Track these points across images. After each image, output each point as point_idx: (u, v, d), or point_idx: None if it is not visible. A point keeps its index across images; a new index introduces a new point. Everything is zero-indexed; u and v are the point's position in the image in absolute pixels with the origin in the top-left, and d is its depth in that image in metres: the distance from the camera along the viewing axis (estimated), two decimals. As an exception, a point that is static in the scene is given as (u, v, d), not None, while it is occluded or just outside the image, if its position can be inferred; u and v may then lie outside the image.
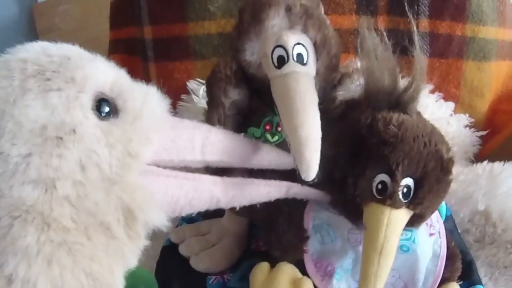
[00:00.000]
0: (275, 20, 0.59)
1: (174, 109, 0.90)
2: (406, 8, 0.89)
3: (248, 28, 0.60)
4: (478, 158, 0.94)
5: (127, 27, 1.04)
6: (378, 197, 0.57)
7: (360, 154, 0.57)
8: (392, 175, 0.56)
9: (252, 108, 0.65)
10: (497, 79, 0.99)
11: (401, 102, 0.59)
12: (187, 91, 0.92)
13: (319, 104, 0.57)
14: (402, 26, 0.91)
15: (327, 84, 0.64)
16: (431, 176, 0.57)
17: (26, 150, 0.41)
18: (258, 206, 0.59)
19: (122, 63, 0.97)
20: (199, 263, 0.73)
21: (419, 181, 0.57)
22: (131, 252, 0.46)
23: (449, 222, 0.77)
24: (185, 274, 0.72)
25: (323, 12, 0.65)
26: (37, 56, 0.44)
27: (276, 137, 0.62)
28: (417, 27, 0.91)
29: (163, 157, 0.50)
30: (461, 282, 0.69)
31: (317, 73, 0.60)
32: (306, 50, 0.59)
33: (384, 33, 0.59)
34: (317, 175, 0.53)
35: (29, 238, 0.39)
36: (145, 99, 0.48)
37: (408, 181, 0.57)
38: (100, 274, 0.43)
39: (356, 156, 0.58)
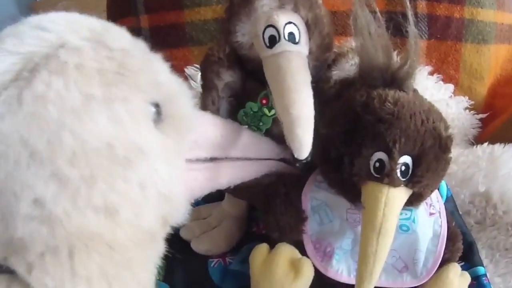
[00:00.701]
0: (265, 0, 0.59)
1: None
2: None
3: (238, 9, 0.61)
4: (477, 140, 0.93)
5: (124, 18, 1.04)
6: (375, 175, 0.56)
7: (355, 132, 0.57)
8: (389, 153, 0.55)
9: (246, 90, 0.65)
10: (496, 62, 0.98)
11: (396, 79, 0.58)
12: (185, 78, 0.92)
13: (313, 83, 0.57)
14: (399, 7, 0.90)
15: (321, 64, 0.64)
16: (429, 154, 0.56)
17: (89, 172, 0.35)
18: (255, 188, 0.60)
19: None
20: (199, 245, 0.73)
21: (417, 159, 0.56)
22: (162, 247, 0.45)
23: (450, 203, 0.77)
24: (187, 258, 0.72)
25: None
26: (93, 46, 0.37)
27: (273, 111, 0.62)
28: (415, 9, 0.91)
29: (195, 156, 0.49)
30: (462, 264, 0.69)
31: (309, 52, 0.61)
32: (298, 29, 0.59)
33: (377, 10, 0.59)
34: (310, 154, 0.53)
35: (92, 265, 0.36)
36: (186, 104, 0.45)
37: (406, 159, 0.56)
38: (146, 280, 0.42)
39: (351, 134, 0.57)
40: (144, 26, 0.97)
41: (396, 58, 0.59)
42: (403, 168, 0.56)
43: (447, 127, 0.59)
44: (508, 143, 0.86)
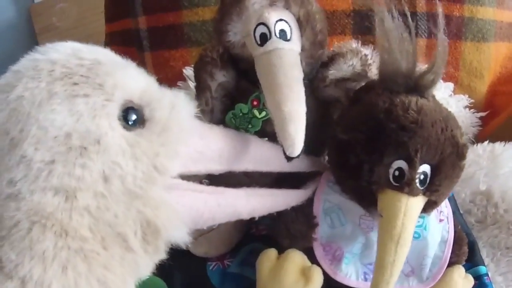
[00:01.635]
0: None
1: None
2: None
3: (229, 9, 0.60)
4: (478, 139, 0.93)
5: (122, 19, 1.03)
6: (395, 184, 0.55)
7: (377, 140, 0.55)
8: (410, 161, 0.54)
9: (240, 90, 0.64)
10: (496, 61, 0.98)
11: (419, 85, 0.57)
12: (183, 78, 0.91)
13: (306, 81, 0.57)
14: (398, 6, 0.88)
15: (314, 61, 0.63)
16: (447, 162, 0.56)
17: (49, 157, 0.40)
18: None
19: (117, 54, 0.95)
20: (197, 247, 0.72)
21: (436, 167, 0.55)
22: (146, 265, 0.46)
23: (451, 202, 0.76)
24: (185, 261, 0.71)
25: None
26: (67, 58, 0.43)
27: (263, 113, 0.61)
28: (415, 7, 0.90)
29: (191, 169, 0.49)
30: (463, 263, 0.68)
31: (302, 50, 0.60)
32: (289, 26, 0.58)
33: (407, 12, 0.57)
34: (302, 151, 0.52)
35: (46, 243, 0.39)
36: (173, 108, 0.47)
37: (425, 167, 0.55)
38: (113, 283, 0.42)
39: (373, 142, 0.56)
40: (142, 27, 0.95)
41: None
42: (422, 177, 0.55)
43: (462, 134, 0.58)
44: (508, 141, 0.86)
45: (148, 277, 0.48)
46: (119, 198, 0.42)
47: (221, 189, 0.52)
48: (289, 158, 0.52)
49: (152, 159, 0.44)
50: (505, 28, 0.97)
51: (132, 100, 0.44)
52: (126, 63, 0.47)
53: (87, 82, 0.42)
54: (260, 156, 0.57)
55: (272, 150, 0.58)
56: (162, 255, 0.47)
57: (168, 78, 0.92)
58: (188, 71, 0.92)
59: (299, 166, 0.61)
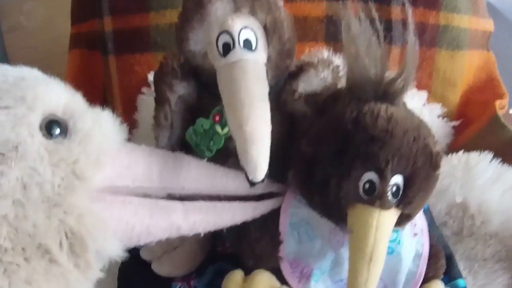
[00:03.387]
0: (218, 3, 0.54)
1: (134, 103, 0.86)
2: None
3: (190, 15, 0.56)
4: (450, 149, 0.92)
5: (88, 20, 0.99)
6: (365, 197, 0.52)
7: (345, 152, 0.53)
8: (381, 173, 0.51)
9: (202, 104, 0.61)
10: (469, 69, 0.96)
11: (389, 93, 0.54)
12: (147, 84, 0.87)
13: (274, 95, 0.54)
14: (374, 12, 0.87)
15: (281, 72, 0.60)
16: (421, 173, 0.53)
17: None
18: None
19: (81, 58, 0.91)
20: (161, 267, 0.68)
21: (408, 179, 0.53)
22: (77, 281, 0.45)
23: (427, 215, 0.74)
24: (149, 280, 0.68)
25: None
26: None
27: (226, 129, 0.57)
28: (389, 15, 0.88)
29: (117, 184, 0.49)
30: (441, 277, 0.67)
31: (268, 60, 0.56)
32: (255, 35, 0.55)
33: (376, 17, 0.55)
34: (266, 175, 0.49)
35: None
36: (96, 122, 0.47)
37: (398, 179, 0.53)
38: None
39: (340, 154, 0.53)
40: (107, 29, 0.91)
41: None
42: (394, 189, 0.53)
43: (435, 142, 0.56)
44: (483, 151, 0.84)
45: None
46: (38, 206, 0.42)
47: (154, 201, 0.51)
48: (251, 183, 0.49)
49: (71, 165, 0.44)
50: (479, 36, 0.95)
51: (55, 114, 0.45)
52: (51, 79, 0.48)
53: (9, 95, 0.43)
54: (198, 175, 0.55)
55: (213, 170, 0.56)
56: (95, 272, 0.46)
57: (132, 84, 0.88)
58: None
59: (254, 189, 0.57)
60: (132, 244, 0.49)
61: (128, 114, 0.85)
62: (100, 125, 0.48)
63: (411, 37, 0.55)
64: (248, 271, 0.60)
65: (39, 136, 0.43)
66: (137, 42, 0.89)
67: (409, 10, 0.56)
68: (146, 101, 0.85)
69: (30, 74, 0.47)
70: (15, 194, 0.41)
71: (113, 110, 0.51)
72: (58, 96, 0.46)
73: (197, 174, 0.55)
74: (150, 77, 0.86)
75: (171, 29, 0.86)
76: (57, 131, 0.44)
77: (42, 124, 0.44)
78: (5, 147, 0.41)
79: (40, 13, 1.36)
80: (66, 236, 0.43)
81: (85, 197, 0.44)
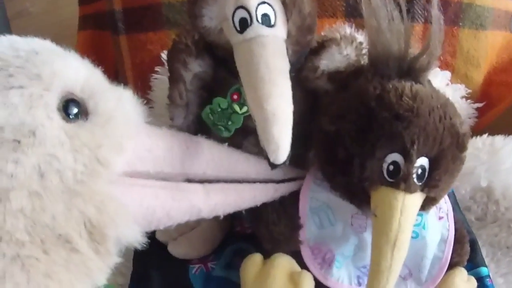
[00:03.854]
0: None
1: (148, 83, 0.84)
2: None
3: None
4: (473, 131, 0.89)
5: (96, 1, 0.97)
6: (389, 180, 0.50)
7: (368, 130, 0.50)
8: (406, 154, 0.49)
9: (218, 81, 0.59)
10: (493, 49, 0.94)
11: (413, 69, 0.52)
12: (161, 63, 0.84)
13: (293, 72, 0.51)
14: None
15: (301, 48, 0.57)
16: (447, 154, 0.51)
17: None
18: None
19: (91, 39, 0.89)
20: (177, 249, 0.67)
21: (434, 160, 0.51)
22: (98, 269, 0.42)
23: (451, 199, 0.72)
24: (165, 263, 0.67)
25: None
26: (2, 50, 0.41)
27: (245, 108, 0.55)
28: (412, -9, 0.85)
29: (138, 169, 0.46)
30: (465, 264, 0.65)
31: (288, 36, 0.54)
32: (273, 10, 0.52)
33: None
34: (288, 157, 0.46)
35: None
36: (119, 102, 0.45)
37: (423, 161, 0.50)
38: None
39: (364, 133, 0.51)
40: (117, 8, 0.89)
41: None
42: (419, 171, 0.51)
43: (462, 122, 0.54)
44: (508, 134, 0.82)
45: (104, 285, 0.44)
46: (57, 196, 0.39)
47: (174, 184, 0.49)
48: (273, 165, 0.47)
49: (94, 151, 0.41)
50: (502, 16, 0.93)
51: (73, 92, 0.41)
52: (66, 52, 0.44)
53: (23, 72, 0.39)
54: (219, 160, 0.53)
55: (235, 155, 0.54)
56: (114, 258, 0.43)
57: (145, 62, 0.87)
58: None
59: (275, 174, 0.56)
60: (151, 228, 0.47)
61: (141, 93, 0.84)
62: (122, 106, 0.45)
63: (436, 12, 0.53)
64: (267, 255, 0.59)
65: (58, 119, 0.40)
66: (148, 20, 0.87)
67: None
68: (160, 79, 0.83)
69: (43, 47, 0.43)
70: (32, 185, 0.38)
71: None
72: (77, 72, 0.43)
73: (219, 159, 0.53)
74: (164, 55, 0.84)
75: (184, 5, 0.84)
76: (75, 110, 0.41)
77: (60, 104, 0.40)
78: (20, 132, 0.38)
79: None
80: (87, 225, 0.40)
81: (108, 183, 0.42)
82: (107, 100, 0.43)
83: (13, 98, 0.38)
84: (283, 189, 0.58)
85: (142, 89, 0.83)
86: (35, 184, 0.38)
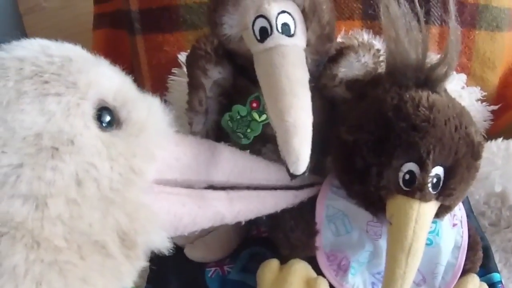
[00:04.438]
0: None
1: (165, 84, 0.84)
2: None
3: None
4: (488, 134, 0.89)
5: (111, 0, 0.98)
6: (405, 189, 0.51)
7: (386, 140, 0.51)
8: (422, 164, 0.50)
9: (238, 88, 0.59)
10: (509, 51, 0.93)
11: (431, 79, 0.52)
12: (178, 65, 0.85)
13: (312, 82, 0.52)
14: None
15: (320, 57, 0.58)
16: (462, 164, 0.51)
17: (17, 160, 0.37)
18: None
19: (107, 38, 0.89)
20: (194, 252, 0.67)
21: (450, 169, 0.51)
22: (128, 273, 0.44)
23: (465, 205, 0.72)
24: (181, 266, 0.67)
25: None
26: (35, 55, 0.41)
27: (264, 116, 0.56)
28: (428, -6, 0.84)
29: (166, 176, 0.47)
30: (478, 270, 0.65)
31: (307, 45, 0.54)
32: (293, 19, 0.52)
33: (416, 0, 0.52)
34: (307, 168, 0.47)
35: (17, 257, 0.36)
36: (150, 112, 0.45)
37: (438, 170, 0.51)
38: None
39: (381, 143, 0.51)
40: (133, 8, 0.88)
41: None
42: (434, 180, 0.51)
43: (477, 131, 0.54)
44: (523, 138, 0.82)
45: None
46: (94, 204, 0.39)
47: (200, 192, 0.50)
48: (293, 176, 0.47)
49: (129, 160, 0.42)
50: (518, 16, 0.92)
51: (106, 100, 0.42)
52: (98, 60, 0.45)
53: (58, 80, 0.40)
54: (242, 168, 0.53)
55: (256, 162, 0.55)
56: (142, 261, 0.45)
57: (162, 64, 0.87)
58: (184, 57, 0.86)
59: (294, 181, 0.56)
60: (177, 234, 0.48)
61: (158, 95, 0.84)
62: (153, 116, 0.45)
63: (453, 21, 0.53)
64: (283, 260, 0.59)
65: (94, 128, 0.40)
66: (165, 21, 0.87)
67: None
68: (178, 81, 0.83)
69: (77, 54, 0.43)
70: (70, 192, 0.38)
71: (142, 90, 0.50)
72: (110, 81, 0.43)
73: (242, 167, 0.53)
74: (181, 57, 0.84)
75: (201, 7, 0.84)
76: (108, 118, 0.42)
77: (95, 113, 0.41)
78: (59, 140, 0.38)
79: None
80: (120, 231, 0.41)
81: (140, 191, 0.43)
82: (139, 110, 0.44)
83: (50, 105, 0.38)
84: (303, 195, 0.58)
85: (159, 90, 0.84)
86: (73, 192, 0.38)
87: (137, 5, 0.88)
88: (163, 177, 0.47)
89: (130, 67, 0.94)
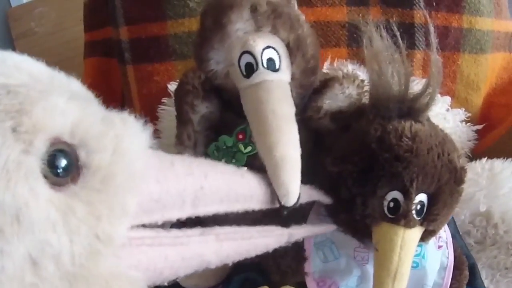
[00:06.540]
0: (239, 24, 0.53)
1: (155, 113, 0.85)
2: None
3: (210, 34, 0.55)
4: (473, 153, 0.90)
5: (102, 28, 0.98)
6: (390, 216, 0.52)
7: (370, 171, 0.52)
8: (405, 192, 0.51)
9: (224, 121, 0.60)
10: (492, 72, 0.95)
11: (413, 109, 0.54)
12: (168, 94, 0.85)
13: (299, 112, 0.53)
14: (395, 18, 0.86)
15: (305, 90, 0.59)
16: (445, 190, 0.53)
17: None
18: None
19: (99, 66, 0.89)
20: (187, 280, 0.67)
21: (433, 196, 0.53)
22: None
23: (451, 226, 0.73)
24: None
25: (296, 8, 0.59)
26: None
27: (249, 148, 0.56)
28: (412, 19, 0.86)
29: (144, 221, 0.39)
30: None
31: (292, 78, 0.55)
32: (278, 54, 0.53)
33: (397, 33, 0.54)
34: (298, 199, 0.48)
35: None
36: (118, 146, 0.35)
37: (422, 197, 0.52)
38: None
39: (365, 173, 0.52)
40: (123, 38, 0.90)
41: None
42: (418, 207, 0.52)
43: (460, 156, 0.55)
44: (507, 157, 0.83)
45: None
46: (55, 284, 0.32)
47: (185, 239, 0.42)
48: (284, 208, 0.48)
49: (93, 228, 0.33)
50: (502, 38, 0.94)
51: (61, 138, 0.32)
52: (49, 84, 0.35)
53: None
54: (235, 193, 0.46)
55: (252, 184, 0.49)
56: None
57: (152, 93, 0.88)
58: (174, 87, 0.87)
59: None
60: (155, 284, 0.42)
61: (149, 124, 0.84)
62: (123, 152, 0.35)
63: (434, 53, 0.54)
64: (274, 286, 0.60)
65: (44, 190, 0.31)
66: (155, 51, 0.88)
67: (427, 16, 0.54)
68: (168, 110, 0.84)
69: (18, 81, 0.33)
70: (24, 276, 0.31)
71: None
72: (65, 113, 0.33)
73: (234, 191, 0.46)
74: (171, 86, 0.85)
75: (190, 37, 0.85)
76: (63, 163, 0.32)
77: (44, 161, 0.31)
78: (1, 220, 0.29)
79: (51, 18, 1.36)
80: None
81: (111, 260, 0.35)
82: (103, 148, 0.34)
83: None
84: (299, 232, 0.53)
85: (149, 120, 0.85)
86: (29, 275, 0.31)
87: (127, 35, 0.89)
88: (140, 222, 0.39)
89: (122, 95, 0.95)
